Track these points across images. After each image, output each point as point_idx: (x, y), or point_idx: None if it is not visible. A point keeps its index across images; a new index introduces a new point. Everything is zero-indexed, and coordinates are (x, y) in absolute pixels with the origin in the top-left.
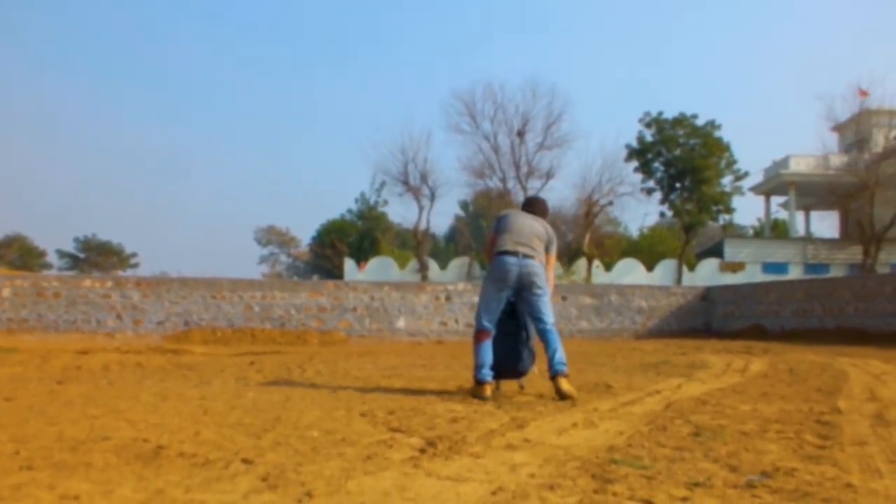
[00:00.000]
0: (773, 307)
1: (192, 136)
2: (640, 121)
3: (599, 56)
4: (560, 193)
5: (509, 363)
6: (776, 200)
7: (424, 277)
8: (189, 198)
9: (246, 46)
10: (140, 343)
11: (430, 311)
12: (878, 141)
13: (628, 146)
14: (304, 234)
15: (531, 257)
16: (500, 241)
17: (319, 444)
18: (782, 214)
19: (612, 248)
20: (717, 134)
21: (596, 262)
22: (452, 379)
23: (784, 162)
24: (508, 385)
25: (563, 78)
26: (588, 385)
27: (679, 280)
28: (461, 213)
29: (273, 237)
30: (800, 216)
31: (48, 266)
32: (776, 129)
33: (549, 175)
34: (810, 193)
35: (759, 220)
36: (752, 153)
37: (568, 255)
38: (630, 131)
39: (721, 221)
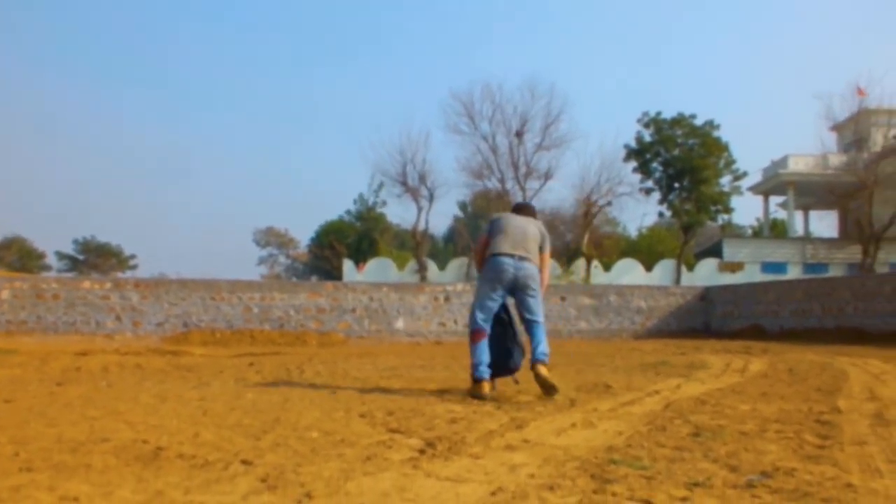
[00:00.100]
0: (772, 307)
1: (192, 137)
2: (639, 121)
3: (598, 56)
4: (558, 194)
5: (502, 362)
6: (775, 200)
7: (423, 278)
8: (188, 199)
9: (246, 46)
10: (139, 344)
11: (429, 311)
12: (877, 140)
13: (627, 146)
14: (303, 235)
15: (527, 259)
16: (496, 243)
17: (319, 445)
18: (781, 214)
19: (611, 249)
20: (715, 134)
21: (595, 263)
22: (451, 380)
23: (783, 161)
24: (507, 385)
25: (561, 78)
26: (587, 385)
27: (678, 280)
28: (460, 213)
29: (272, 238)
30: (798, 216)
31: (47, 268)
32: (775, 129)
33: (547, 175)
34: (809, 193)
35: (757, 219)
36: (750, 153)
37: (567, 256)
38: (629, 131)
39: (720, 221)
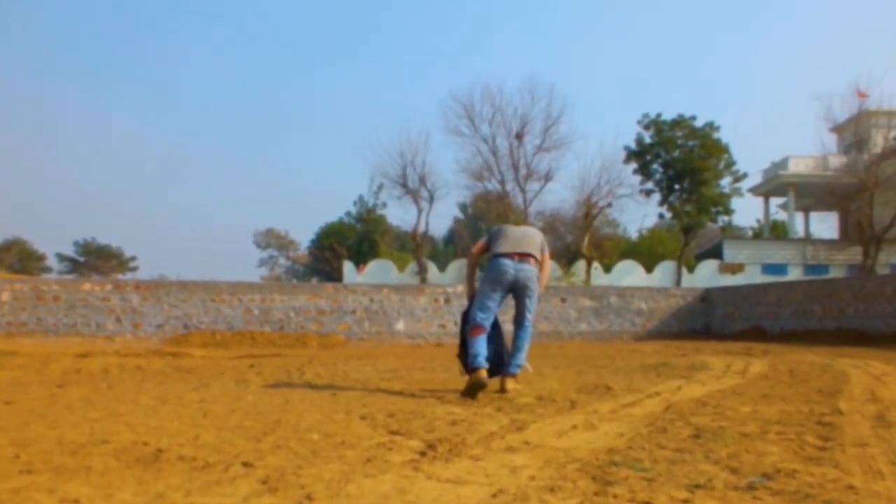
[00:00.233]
0: (773, 308)
1: (192, 138)
2: (639, 122)
3: (598, 57)
4: (559, 195)
5: (495, 364)
6: (775, 202)
7: (423, 280)
8: (188, 200)
9: (246, 47)
10: (139, 346)
11: (430, 313)
12: (877, 141)
13: (627, 148)
14: (303, 237)
15: (527, 262)
16: (497, 245)
17: (319, 447)
18: (781, 216)
19: (612, 250)
20: (715, 135)
21: (595, 264)
22: (452, 381)
23: (783, 163)
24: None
25: (561, 79)
26: (588, 387)
27: (678, 282)
28: (460, 215)
29: (272, 240)
30: (799, 217)
31: (48, 270)
32: (775, 130)
33: (547, 177)
34: (809, 194)
35: (758, 221)
36: (750, 154)
37: (567, 257)
38: (629, 133)
39: (720, 223)
